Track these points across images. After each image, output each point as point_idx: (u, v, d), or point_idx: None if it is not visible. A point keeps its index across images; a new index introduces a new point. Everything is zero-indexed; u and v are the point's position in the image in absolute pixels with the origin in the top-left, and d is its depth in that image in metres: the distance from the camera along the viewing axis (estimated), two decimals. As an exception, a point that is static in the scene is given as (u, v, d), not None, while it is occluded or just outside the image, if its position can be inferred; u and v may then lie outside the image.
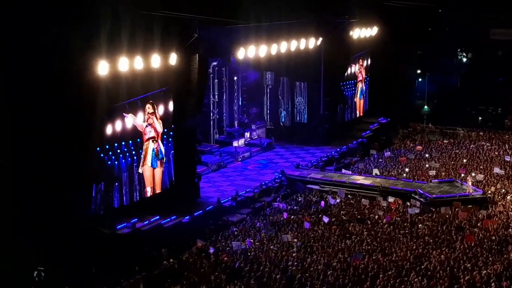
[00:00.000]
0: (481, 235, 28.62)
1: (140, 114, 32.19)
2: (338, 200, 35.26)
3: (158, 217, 31.37)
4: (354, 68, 53.35)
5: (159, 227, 30.96)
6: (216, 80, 47.34)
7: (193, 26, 33.05)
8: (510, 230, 29.33)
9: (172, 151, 34.32)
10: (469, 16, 63.43)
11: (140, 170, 32.37)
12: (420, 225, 30.55)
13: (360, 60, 54.08)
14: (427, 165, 41.79)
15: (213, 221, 32.89)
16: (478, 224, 30.34)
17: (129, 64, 30.03)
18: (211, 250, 28.10)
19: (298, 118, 50.77)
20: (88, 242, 27.50)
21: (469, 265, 25.25)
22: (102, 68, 28.52)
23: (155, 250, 28.22)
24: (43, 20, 26.10)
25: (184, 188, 34.93)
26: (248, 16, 38.00)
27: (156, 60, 31.64)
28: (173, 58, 32.80)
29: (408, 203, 34.38)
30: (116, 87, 29.89)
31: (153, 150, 33.07)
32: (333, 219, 31.70)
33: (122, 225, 29.83)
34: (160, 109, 33.37)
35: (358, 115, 54.85)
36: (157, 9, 30.41)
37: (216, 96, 47.57)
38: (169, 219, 31.66)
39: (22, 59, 26.33)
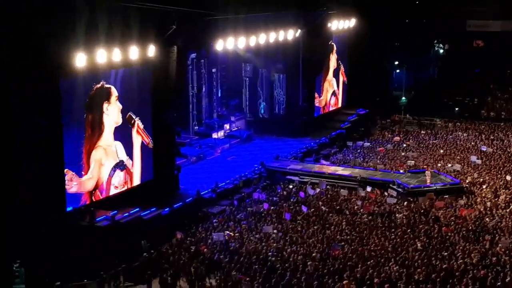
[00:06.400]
0: (458, 225, 28.99)
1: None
2: (317, 191, 35.45)
3: (137, 209, 31.29)
4: (333, 60, 53.49)
5: (138, 219, 30.89)
6: (195, 72, 47.20)
7: (171, 18, 32.92)
8: (486, 219, 29.73)
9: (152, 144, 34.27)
10: (446, 8, 64.01)
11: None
12: (398, 215, 30.87)
13: (339, 52, 54.22)
14: (403, 154, 42.21)
15: (193, 213, 32.91)
16: (456, 214, 30.70)
17: (107, 56, 29.84)
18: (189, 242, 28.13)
19: (277, 110, 50.85)
20: (68, 234, 27.37)
21: (446, 254, 25.60)
22: (80, 60, 28.34)
23: (135, 242, 28.18)
24: (17, 13, 25.76)
25: (164, 180, 34.88)
26: (226, 8, 37.95)
27: (134, 52, 31.48)
28: (152, 50, 32.65)
29: (386, 193, 34.68)
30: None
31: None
32: (312, 210, 31.91)
33: (102, 217, 29.72)
34: (138, 103, 33.26)
35: (337, 106, 55.09)
36: (135, 1, 30.20)
37: (195, 88, 47.47)
38: (149, 211, 31.61)
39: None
